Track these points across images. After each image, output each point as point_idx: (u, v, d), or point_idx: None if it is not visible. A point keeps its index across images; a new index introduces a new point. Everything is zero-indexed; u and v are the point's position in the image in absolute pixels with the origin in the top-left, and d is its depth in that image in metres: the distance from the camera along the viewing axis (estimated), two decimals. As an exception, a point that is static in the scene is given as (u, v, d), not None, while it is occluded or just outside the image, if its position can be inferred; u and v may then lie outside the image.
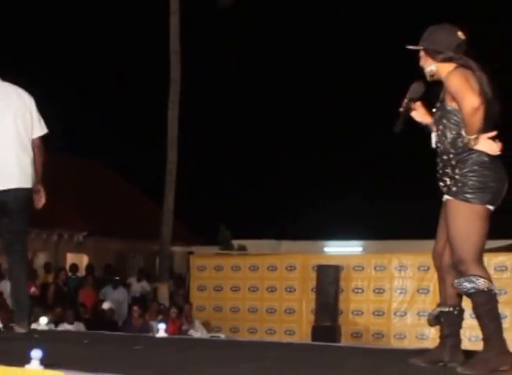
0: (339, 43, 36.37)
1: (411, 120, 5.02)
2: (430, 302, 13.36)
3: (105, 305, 14.63)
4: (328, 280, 14.66)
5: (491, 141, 4.58)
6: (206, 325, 15.28)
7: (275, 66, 37.41)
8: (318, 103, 37.00)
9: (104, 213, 25.06)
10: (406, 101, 4.98)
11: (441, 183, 4.74)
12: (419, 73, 4.92)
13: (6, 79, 6.75)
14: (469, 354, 4.68)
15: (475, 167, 4.59)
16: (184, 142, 19.11)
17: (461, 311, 4.74)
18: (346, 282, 14.92)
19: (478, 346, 4.61)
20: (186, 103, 19.08)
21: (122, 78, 35.61)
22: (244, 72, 36.20)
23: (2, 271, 15.14)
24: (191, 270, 16.59)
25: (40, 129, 6.74)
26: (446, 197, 4.69)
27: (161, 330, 6.79)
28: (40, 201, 6.86)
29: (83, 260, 22.99)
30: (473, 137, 4.55)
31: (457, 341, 4.76)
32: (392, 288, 14.62)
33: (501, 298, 14.86)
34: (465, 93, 4.53)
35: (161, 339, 6.64)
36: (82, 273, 18.74)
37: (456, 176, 4.63)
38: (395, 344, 13.98)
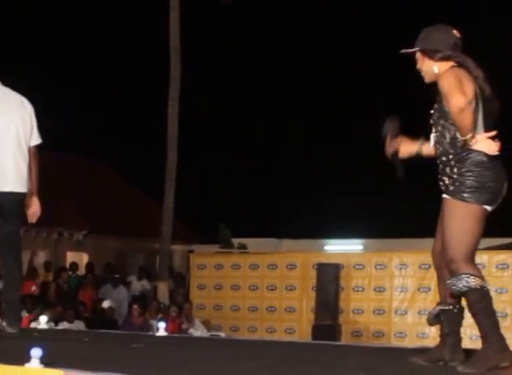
0: (339, 41, 36.36)
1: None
2: (431, 301, 13.34)
3: (105, 304, 14.62)
4: (329, 278, 14.65)
5: (489, 141, 4.57)
6: (206, 324, 15.27)
7: (276, 64, 37.42)
8: (318, 101, 37.00)
9: (104, 212, 25.06)
10: (391, 152, 5.04)
11: (440, 183, 4.76)
12: (419, 75, 4.92)
13: (6, 83, 6.83)
14: (470, 352, 4.68)
15: (473, 167, 4.59)
16: (184, 140, 19.10)
17: (461, 309, 4.73)
18: (346, 280, 14.91)
19: (479, 345, 4.60)
20: (187, 101, 19.05)
21: (121, 76, 35.59)
22: (245, 69, 36.21)
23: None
24: (191, 269, 16.59)
25: (36, 138, 6.85)
26: (444, 196, 4.69)
27: (161, 328, 6.78)
28: (35, 214, 6.86)
29: (83, 259, 22.99)
30: (468, 137, 4.55)
31: (458, 339, 4.75)
32: (392, 287, 14.61)
33: (502, 297, 14.80)
34: (453, 93, 4.54)
35: (161, 338, 6.64)
36: (82, 271, 18.73)
37: (455, 176, 4.64)
38: (395, 342, 13.97)
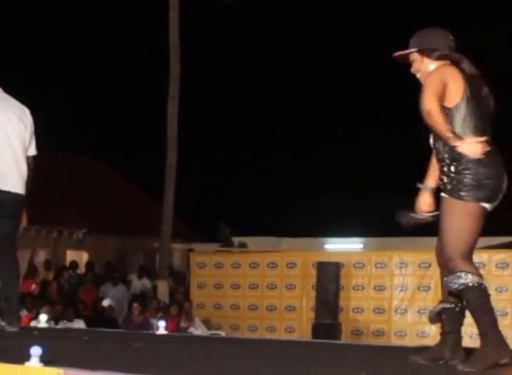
0: (339, 41, 36.35)
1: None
2: (431, 300, 13.34)
3: (105, 303, 14.62)
4: (329, 277, 14.65)
5: (475, 144, 4.56)
6: (206, 322, 15.27)
7: (276, 63, 37.40)
8: (318, 100, 36.99)
9: (104, 210, 25.05)
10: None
11: (439, 182, 4.76)
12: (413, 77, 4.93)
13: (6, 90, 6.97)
14: (470, 351, 4.67)
15: (470, 164, 4.59)
16: (184, 139, 19.08)
17: (463, 308, 4.73)
18: (346, 279, 14.90)
19: (479, 343, 4.59)
20: (186, 99, 19.04)
21: (121, 75, 35.57)
22: (245, 68, 36.19)
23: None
24: (191, 267, 16.58)
25: (33, 148, 6.93)
26: (442, 194, 4.70)
27: (161, 327, 6.78)
28: (20, 229, 6.92)
29: (83, 257, 22.97)
30: (449, 136, 4.56)
31: (458, 338, 4.75)
32: (392, 285, 14.60)
33: (502, 295, 14.80)
34: (425, 96, 4.59)
35: (161, 336, 6.64)
36: (82, 270, 18.73)
37: (452, 174, 4.64)
38: (395, 341, 13.97)
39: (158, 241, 18.71)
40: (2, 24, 30.48)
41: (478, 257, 12.24)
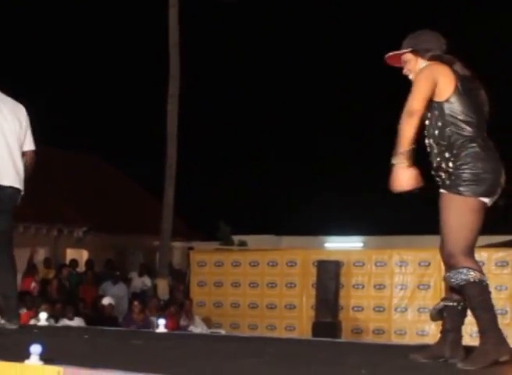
0: (339, 40, 36.35)
1: None
2: (431, 298, 13.35)
3: (105, 301, 14.60)
4: (329, 275, 14.65)
5: (406, 175, 4.57)
6: (206, 321, 15.27)
7: (276, 61, 37.40)
8: (317, 98, 36.99)
9: (104, 209, 25.05)
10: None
11: (437, 179, 4.76)
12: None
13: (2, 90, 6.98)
14: (470, 349, 4.67)
15: (468, 159, 4.59)
16: (184, 138, 19.08)
17: (465, 307, 4.72)
18: (346, 278, 14.91)
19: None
20: (186, 98, 19.03)
21: (121, 74, 35.58)
22: (244, 66, 36.20)
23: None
24: (191, 266, 16.59)
25: (32, 143, 6.95)
26: (441, 190, 4.70)
27: (161, 325, 6.78)
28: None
29: (83, 255, 22.97)
30: (397, 151, 4.57)
31: (458, 336, 4.75)
32: (392, 284, 14.61)
33: (502, 294, 14.80)
34: (414, 95, 4.64)
35: (161, 334, 6.64)
36: (82, 268, 18.73)
37: (450, 170, 4.64)
38: (395, 340, 13.98)
39: (158, 239, 18.70)
40: (4, 22, 30.49)
41: (478, 255, 12.15)
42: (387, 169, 4.74)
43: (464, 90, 4.66)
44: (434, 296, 13.10)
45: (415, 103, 4.61)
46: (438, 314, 4.80)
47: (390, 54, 4.96)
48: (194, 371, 4.36)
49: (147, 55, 33.70)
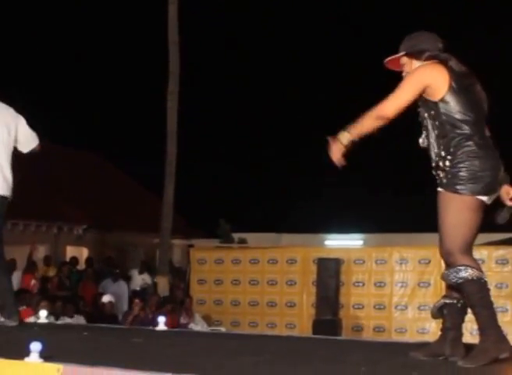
0: (339, 39, 36.34)
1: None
2: (431, 296, 13.35)
3: (105, 299, 14.59)
4: (329, 273, 14.65)
5: (336, 150, 4.99)
6: (206, 318, 15.26)
7: (276, 58, 37.38)
8: (316, 95, 36.97)
9: (104, 206, 25.05)
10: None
11: (436, 177, 4.76)
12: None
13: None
14: (470, 347, 4.67)
15: (465, 158, 4.59)
16: (184, 135, 19.06)
17: (464, 305, 4.72)
18: (346, 275, 14.91)
19: (479, 340, 4.59)
20: (186, 95, 19.00)
21: (121, 71, 35.56)
22: (244, 63, 36.17)
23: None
24: (191, 263, 16.58)
25: (36, 138, 7.00)
26: (438, 189, 4.70)
27: (161, 323, 6.77)
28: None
29: (83, 253, 22.97)
30: (344, 133, 4.85)
31: (459, 334, 4.75)
32: (392, 282, 14.61)
33: (502, 292, 14.79)
34: (393, 99, 4.72)
35: (161, 332, 6.63)
36: (82, 266, 18.72)
37: (447, 168, 4.64)
38: (395, 337, 13.97)
39: (158, 237, 18.68)
40: (5, 22, 30.47)
41: (478, 253, 12.24)
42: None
43: (460, 88, 4.65)
44: (434, 294, 13.09)
45: (390, 111, 4.70)
46: (438, 312, 4.80)
47: (387, 59, 4.98)
48: (194, 368, 4.36)
49: (146, 51, 33.67)
